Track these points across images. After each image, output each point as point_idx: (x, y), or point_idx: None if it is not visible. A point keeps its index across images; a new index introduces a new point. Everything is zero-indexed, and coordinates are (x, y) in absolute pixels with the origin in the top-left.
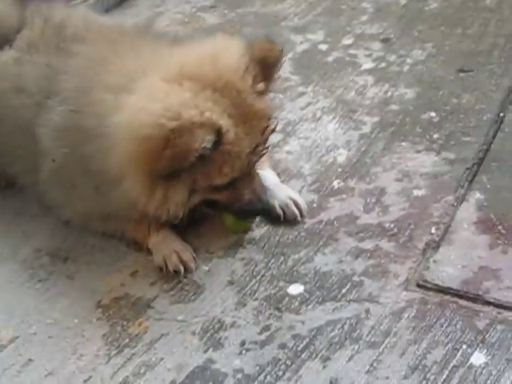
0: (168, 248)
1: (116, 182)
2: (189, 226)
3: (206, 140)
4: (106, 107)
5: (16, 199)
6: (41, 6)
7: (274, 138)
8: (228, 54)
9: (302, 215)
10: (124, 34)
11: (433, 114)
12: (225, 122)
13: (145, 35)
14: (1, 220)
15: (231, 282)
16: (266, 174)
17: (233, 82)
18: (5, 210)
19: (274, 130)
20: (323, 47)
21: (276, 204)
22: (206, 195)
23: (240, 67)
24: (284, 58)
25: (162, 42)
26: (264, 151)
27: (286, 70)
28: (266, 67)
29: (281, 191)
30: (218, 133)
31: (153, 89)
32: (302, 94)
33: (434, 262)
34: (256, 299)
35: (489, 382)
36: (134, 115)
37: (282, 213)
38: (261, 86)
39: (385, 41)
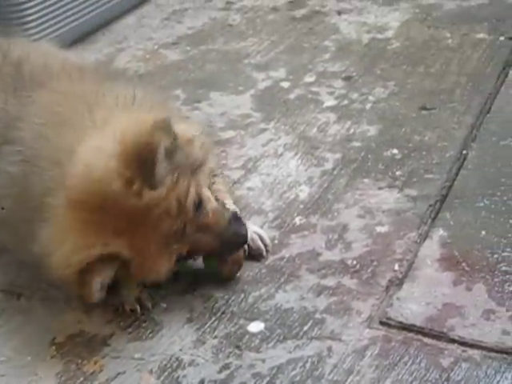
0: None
1: None
2: None
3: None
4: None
5: None
6: (0, 40)
7: (235, 175)
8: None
9: (267, 250)
10: (82, 78)
11: (395, 151)
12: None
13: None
14: None
15: (190, 320)
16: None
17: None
18: None
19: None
20: (285, 84)
21: None
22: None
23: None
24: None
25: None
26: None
27: (247, 106)
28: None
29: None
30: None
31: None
32: (264, 130)
33: (398, 299)
34: (215, 337)
35: None
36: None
37: (247, 247)
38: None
39: (347, 79)
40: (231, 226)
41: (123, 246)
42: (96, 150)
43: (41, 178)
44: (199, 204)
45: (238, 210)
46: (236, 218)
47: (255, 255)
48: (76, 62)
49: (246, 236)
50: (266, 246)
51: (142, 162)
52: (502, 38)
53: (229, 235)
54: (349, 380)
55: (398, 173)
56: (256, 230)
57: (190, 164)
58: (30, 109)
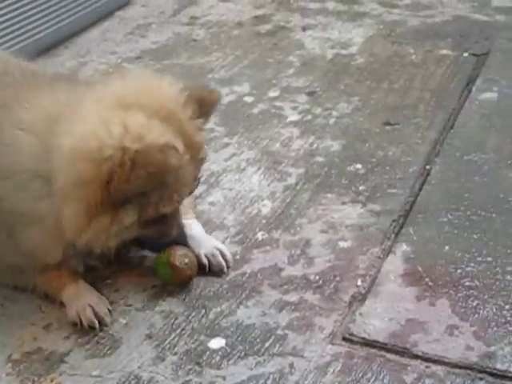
0: (82, 301)
1: (30, 223)
2: (106, 278)
3: (178, 159)
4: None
5: None
6: None
7: (197, 189)
8: (164, 86)
9: (228, 266)
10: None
11: (359, 166)
12: (180, 147)
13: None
14: None
15: (149, 336)
16: (191, 223)
17: (174, 112)
18: None
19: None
20: (249, 99)
21: (202, 254)
22: (139, 230)
23: (179, 99)
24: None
25: (79, 83)
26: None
27: (211, 121)
28: (202, 106)
29: (207, 241)
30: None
31: (98, 115)
32: (227, 145)
33: (360, 314)
34: (175, 354)
35: None
36: (80, 140)
37: (207, 262)
38: (199, 121)
39: (311, 94)
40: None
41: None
42: None
43: None
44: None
45: (198, 226)
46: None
47: (216, 271)
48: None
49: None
50: (227, 261)
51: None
52: (465, 54)
53: (178, 238)
54: None
55: (361, 188)
56: (217, 245)
57: None
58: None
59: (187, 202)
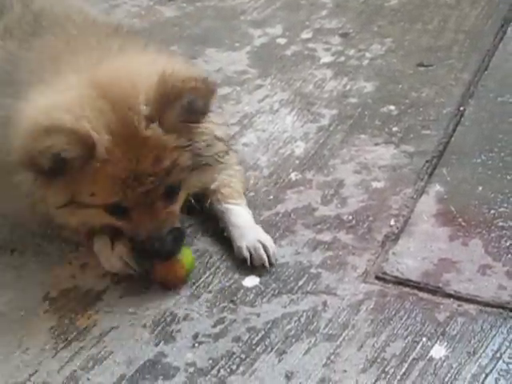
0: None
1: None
2: None
3: (60, 146)
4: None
5: None
6: None
7: (230, 131)
8: (145, 74)
9: (270, 262)
10: (92, 31)
11: (392, 107)
12: (101, 137)
13: (113, 36)
14: None
15: None
16: (239, 210)
17: (129, 101)
18: None
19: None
20: (282, 41)
21: (243, 245)
22: (103, 218)
23: (145, 90)
24: (214, 100)
25: (113, 47)
26: (159, 186)
27: (243, 63)
28: (189, 106)
29: (251, 232)
30: (89, 146)
31: (56, 87)
32: (260, 86)
33: (393, 254)
34: (210, 291)
35: (449, 375)
36: (31, 108)
37: (248, 256)
38: (167, 118)
39: (344, 35)
40: (162, 238)
41: (101, 140)
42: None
43: None
44: (173, 191)
45: (244, 213)
46: (175, 237)
47: (257, 265)
48: (93, 16)
49: (158, 254)
50: (269, 256)
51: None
52: None
53: (149, 241)
54: (344, 334)
55: (394, 129)
56: (260, 237)
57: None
58: (29, 54)
59: (234, 185)
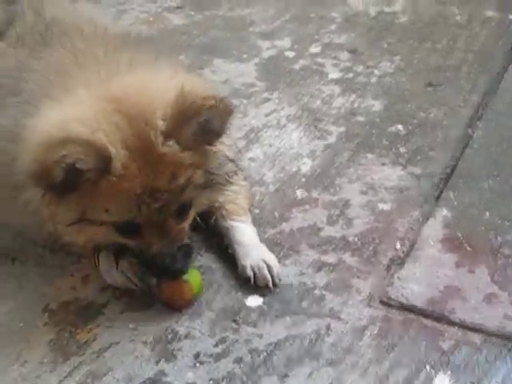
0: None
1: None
2: None
3: (76, 156)
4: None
5: None
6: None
7: (238, 147)
8: (162, 89)
9: (274, 283)
10: (100, 44)
11: (400, 127)
12: (117, 151)
13: (122, 49)
14: None
15: None
16: (244, 228)
17: (146, 116)
18: None
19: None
20: (290, 54)
21: (247, 264)
22: (112, 236)
23: (162, 106)
24: (230, 121)
25: (122, 61)
26: (172, 202)
27: (251, 75)
28: (206, 124)
29: (255, 251)
30: (105, 159)
31: (66, 102)
32: (267, 100)
33: (399, 278)
34: (212, 310)
35: None
36: (43, 122)
37: (252, 275)
38: (184, 135)
39: (353, 51)
40: (174, 255)
41: (117, 154)
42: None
43: None
44: (185, 209)
45: (249, 231)
46: (184, 253)
47: (261, 285)
48: (102, 27)
49: (170, 273)
50: (273, 276)
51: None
52: (511, 17)
53: (161, 258)
54: (347, 359)
55: (402, 149)
56: (265, 257)
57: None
58: (36, 63)
59: (240, 201)
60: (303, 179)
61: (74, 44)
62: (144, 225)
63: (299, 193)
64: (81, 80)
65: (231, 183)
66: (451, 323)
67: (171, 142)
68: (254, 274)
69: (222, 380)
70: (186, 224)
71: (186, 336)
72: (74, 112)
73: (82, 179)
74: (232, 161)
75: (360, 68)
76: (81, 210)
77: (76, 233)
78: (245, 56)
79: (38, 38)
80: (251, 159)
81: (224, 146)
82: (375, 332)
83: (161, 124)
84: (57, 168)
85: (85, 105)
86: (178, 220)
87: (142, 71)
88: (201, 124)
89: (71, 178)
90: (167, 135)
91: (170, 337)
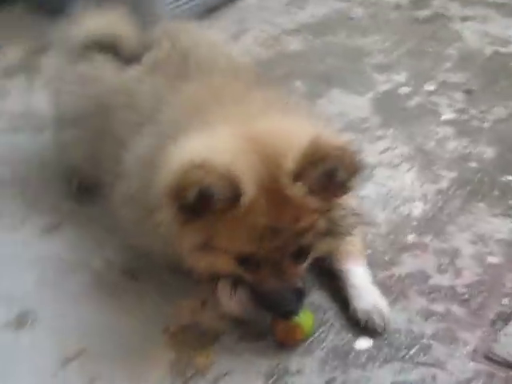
0: (234, 296)
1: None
2: None
3: (210, 181)
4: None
5: (92, 206)
6: (170, 27)
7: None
8: (299, 136)
9: (384, 329)
10: (235, 79)
11: (511, 178)
12: (248, 187)
13: (256, 86)
14: (75, 225)
15: None
16: (358, 271)
17: (279, 158)
18: (79, 216)
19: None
20: (405, 90)
21: (360, 307)
22: (231, 267)
23: (296, 150)
24: (356, 174)
25: (258, 99)
26: (292, 244)
27: (366, 110)
28: (333, 173)
29: (368, 295)
30: (236, 191)
31: (210, 134)
32: (381, 137)
33: (505, 335)
34: (323, 348)
35: None
36: (183, 150)
37: (364, 318)
38: (311, 179)
39: (467, 92)
40: (286, 295)
41: (248, 189)
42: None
43: None
44: (303, 252)
45: (364, 275)
46: (296, 296)
47: (370, 330)
48: (236, 60)
49: (281, 312)
50: (384, 324)
51: (311, 162)
52: None
53: (273, 296)
54: None
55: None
56: (377, 303)
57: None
58: (175, 96)
59: (357, 244)
60: (415, 223)
61: (210, 79)
62: (262, 261)
63: (410, 237)
64: (219, 116)
65: (353, 235)
66: None
67: (299, 185)
68: (366, 318)
69: None
70: (302, 268)
71: (298, 372)
72: (213, 144)
73: (212, 206)
74: (357, 214)
75: (474, 111)
76: (206, 236)
77: (198, 258)
78: (361, 89)
79: (173, 69)
80: (364, 197)
81: (350, 199)
82: None
83: (291, 166)
84: (192, 189)
85: (224, 139)
86: (294, 262)
87: (277, 113)
88: (327, 172)
89: (203, 201)
90: (296, 178)
91: (281, 371)
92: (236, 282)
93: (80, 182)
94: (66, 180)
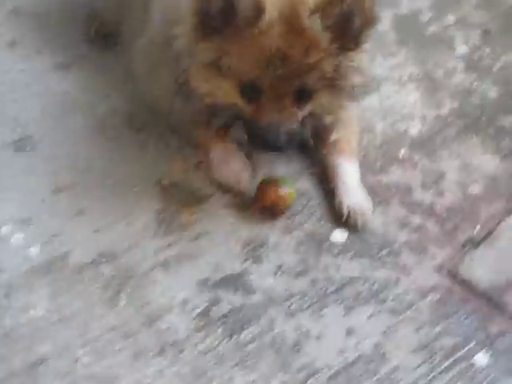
0: (227, 164)
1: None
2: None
3: None
4: None
5: (106, 53)
6: None
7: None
8: None
9: (363, 227)
10: None
11: (509, 120)
12: (270, 9)
13: None
14: (86, 69)
15: None
16: (350, 168)
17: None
18: (92, 61)
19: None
20: (426, 16)
21: (345, 203)
22: (233, 97)
23: None
24: (371, 23)
25: None
26: (296, 77)
27: (385, 25)
28: (349, 15)
29: (355, 193)
30: (259, 10)
31: None
32: (394, 53)
33: (471, 258)
34: (302, 230)
35: (485, 382)
36: None
37: (346, 214)
38: (328, 15)
39: (485, 32)
40: (278, 132)
41: (270, 9)
42: None
43: None
44: (304, 94)
45: (353, 172)
46: (289, 135)
47: (350, 226)
48: None
49: (270, 147)
50: (364, 222)
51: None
52: None
53: (266, 131)
54: (406, 313)
55: (503, 143)
56: (362, 202)
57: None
58: None
59: (352, 142)
60: (409, 140)
61: None
62: (264, 92)
63: (402, 151)
64: None
65: (354, 99)
66: (504, 312)
67: (316, 18)
68: (348, 213)
69: (297, 294)
70: (300, 113)
71: (274, 246)
72: None
73: (232, 22)
74: (364, 74)
75: (487, 50)
76: (218, 54)
77: (204, 79)
78: (384, 4)
79: None
80: (365, 107)
81: (360, 56)
82: (437, 298)
83: (311, 1)
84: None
85: None
86: (293, 103)
87: None
88: (345, 13)
89: (225, 12)
90: (314, 11)
91: (259, 242)
92: (231, 124)
93: (99, 27)
94: (86, 24)
